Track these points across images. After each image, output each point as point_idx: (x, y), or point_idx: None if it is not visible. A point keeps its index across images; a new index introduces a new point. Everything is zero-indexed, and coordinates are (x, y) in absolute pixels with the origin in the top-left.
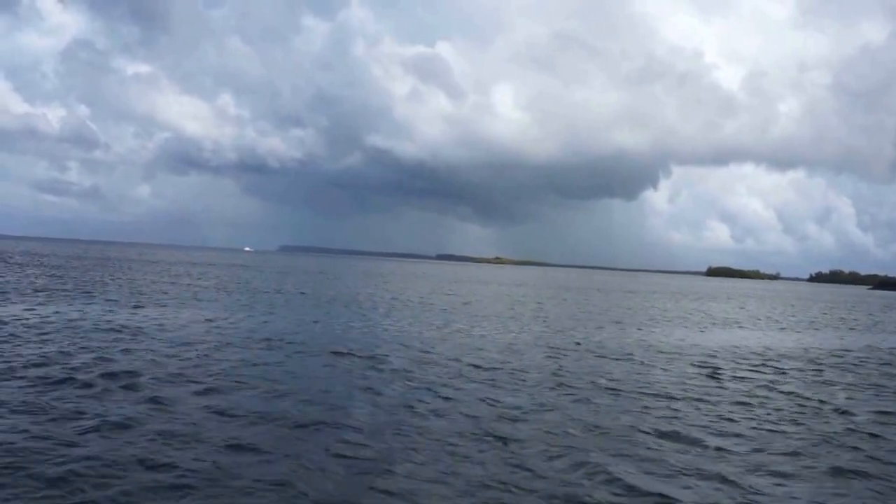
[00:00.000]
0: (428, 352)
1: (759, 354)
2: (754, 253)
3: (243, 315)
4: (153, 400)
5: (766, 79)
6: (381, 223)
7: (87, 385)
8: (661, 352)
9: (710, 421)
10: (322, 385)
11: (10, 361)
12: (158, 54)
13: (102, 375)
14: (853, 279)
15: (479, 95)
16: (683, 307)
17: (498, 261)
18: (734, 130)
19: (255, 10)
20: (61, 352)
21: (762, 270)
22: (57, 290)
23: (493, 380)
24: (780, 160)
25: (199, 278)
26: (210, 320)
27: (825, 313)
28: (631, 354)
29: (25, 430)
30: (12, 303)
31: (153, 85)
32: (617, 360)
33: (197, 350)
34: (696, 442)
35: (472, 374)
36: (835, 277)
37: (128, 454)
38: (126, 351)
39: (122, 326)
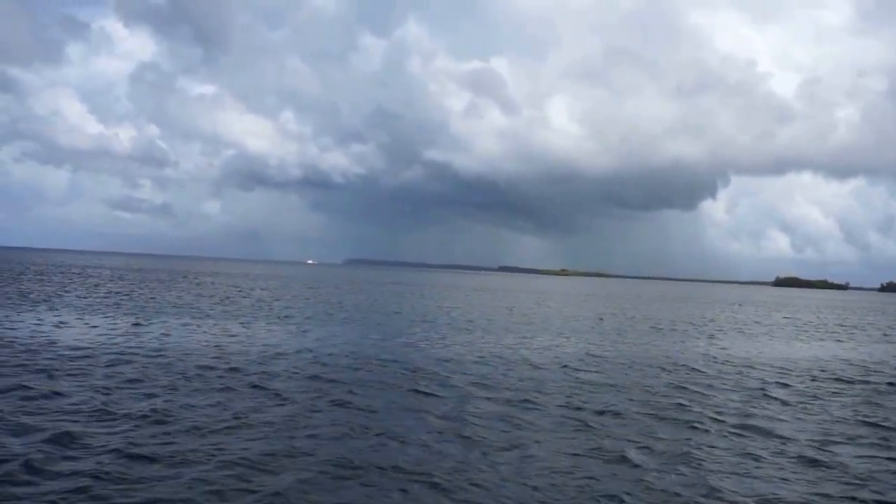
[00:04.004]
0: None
1: None
2: (815, 263)
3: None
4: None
5: (822, 86)
6: (441, 236)
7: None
8: None
9: None
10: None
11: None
12: (221, 74)
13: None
14: None
15: (533, 109)
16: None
17: (564, 272)
18: (791, 139)
19: (314, 30)
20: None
21: (827, 280)
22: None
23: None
24: (839, 168)
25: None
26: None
27: None
28: None
29: None
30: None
31: (218, 104)
32: None
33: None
34: None
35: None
36: None
37: None
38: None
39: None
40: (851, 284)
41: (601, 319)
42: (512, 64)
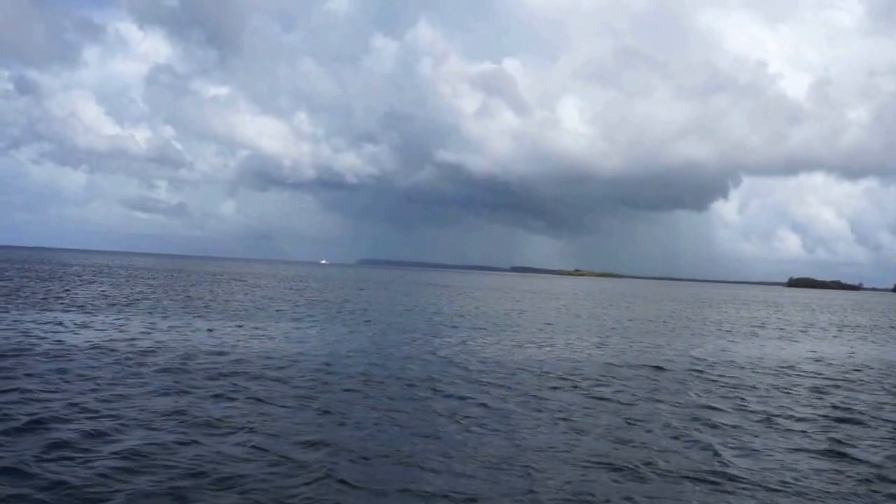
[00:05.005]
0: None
1: None
2: (827, 263)
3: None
4: None
5: (834, 87)
6: (454, 236)
7: None
8: None
9: None
10: None
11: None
12: (236, 76)
13: None
14: None
15: (545, 111)
16: None
17: (577, 273)
18: (803, 140)
19: (327, 32)
20: None
21: (840, 281)
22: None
23: None
24: (851, 169)
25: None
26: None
27: None
28: None
29: None
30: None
31: (232, 105)
32: None
33: None
34: None
35: None
36: None
37: None
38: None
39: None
40: (864, 285)
41: (666, 322)
42: (523, 65)
